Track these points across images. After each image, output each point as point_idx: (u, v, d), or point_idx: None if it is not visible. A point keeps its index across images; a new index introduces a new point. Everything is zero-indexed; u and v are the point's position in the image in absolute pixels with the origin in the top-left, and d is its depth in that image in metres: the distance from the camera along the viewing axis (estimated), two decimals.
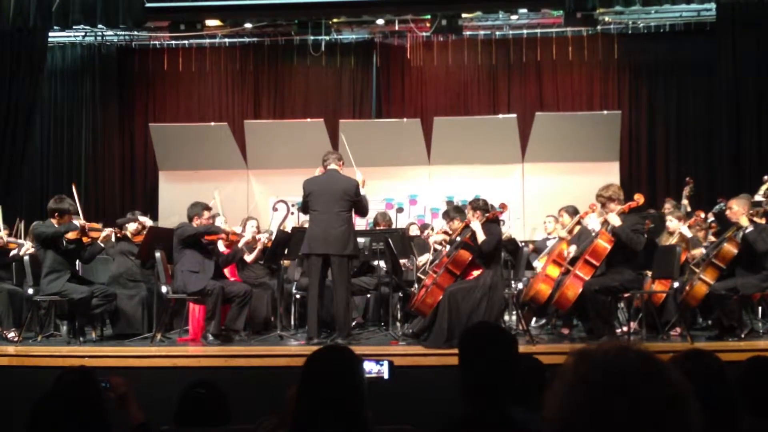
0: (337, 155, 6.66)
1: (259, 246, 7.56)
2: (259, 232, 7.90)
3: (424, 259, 7.53)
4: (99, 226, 7.19)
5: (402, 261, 7.46)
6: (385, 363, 3.20)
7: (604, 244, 6.14)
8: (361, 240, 7.01)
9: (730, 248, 6.25)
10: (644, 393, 1.08)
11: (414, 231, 8.71)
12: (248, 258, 7.64)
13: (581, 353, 1.17)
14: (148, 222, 7.87)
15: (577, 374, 1.14)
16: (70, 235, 6.65)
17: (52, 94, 11.42)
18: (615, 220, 6.09)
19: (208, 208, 6.98)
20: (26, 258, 7.00)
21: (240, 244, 7.29)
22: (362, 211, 6.61)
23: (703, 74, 10.57)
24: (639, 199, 6.49)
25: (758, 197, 7.12)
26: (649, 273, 6.82)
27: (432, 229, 8.58)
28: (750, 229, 6.17)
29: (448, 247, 6.77)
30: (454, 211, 6.85)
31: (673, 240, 7.07)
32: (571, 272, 6.24)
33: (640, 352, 1.15)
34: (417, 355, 5.91)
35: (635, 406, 1.08)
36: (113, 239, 7.48)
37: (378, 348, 6.15)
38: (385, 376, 3.16)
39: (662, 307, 6.78)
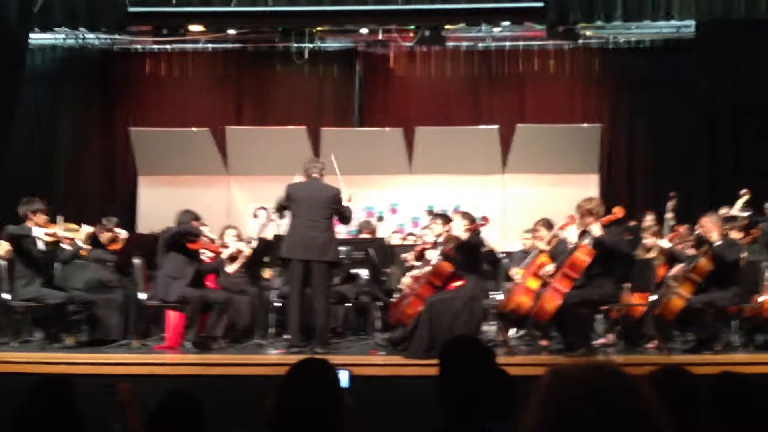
0: (320, 165, 6.67)
1: (241, 259, 7.54)
2: (240, 240, 7.87)
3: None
4: (76, 226, 7.12)
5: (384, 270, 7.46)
6: (345, 372, 3.25)
7: (583, 257, 6.18)
8: (342, 249, 7.01)
9: (706, 263, 6.33)
10: (615, 409, 1.10)
11: (396, 240, 8.73)
12: (230, 269, 7.62)
13: (555, 370, 1.18)
14: (122, 234, 7.79)
15: (550, 391, 1.15)
16: (46, 239, 6.58)
17: (32, 96, 11.29)
18: (597, 231, 6.14)
19: (198, 218, 6.95)
20: (2, 263, 6.90)
21: (224, 256, 7.25)
22: (345, 220, 6.70)
23: (682, 90, 10.71)
24: (618, 212, 6.53)
25: (734, 212, 7.22)
26: (628, 286, 6.87)
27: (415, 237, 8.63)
28: (719, 242, 6.28)
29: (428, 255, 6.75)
30: (438, 217, 6.94)
31: (651, 255, 7.13)
32: (550, 285, 6.26)
33: (612, 370, 1.17)
34: (396, 365, 5.90)
35: (606, 422, 1.10)
36: (89, 245, 7.39)
37: (357, 358, 6.13)
38: (345, 384, 3.21)
39: (641, 319, 6.84)
